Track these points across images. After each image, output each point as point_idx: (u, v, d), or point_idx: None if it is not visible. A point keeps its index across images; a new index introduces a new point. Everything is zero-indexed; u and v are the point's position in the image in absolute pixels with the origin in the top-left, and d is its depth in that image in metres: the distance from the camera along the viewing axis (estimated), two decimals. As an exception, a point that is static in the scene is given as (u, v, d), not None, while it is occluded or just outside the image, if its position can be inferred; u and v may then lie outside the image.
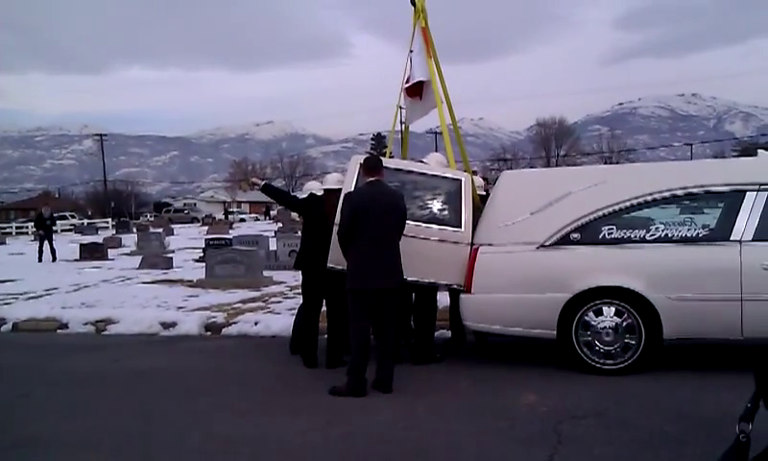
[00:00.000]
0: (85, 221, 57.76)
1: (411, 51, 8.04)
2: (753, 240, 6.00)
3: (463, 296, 6.65)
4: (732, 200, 6.18)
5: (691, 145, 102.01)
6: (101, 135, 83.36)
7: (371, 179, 6.02)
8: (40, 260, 22.26)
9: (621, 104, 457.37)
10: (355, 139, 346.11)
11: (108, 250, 23.79)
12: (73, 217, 61.46)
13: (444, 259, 6.62)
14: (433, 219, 6.78)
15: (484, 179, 9.65)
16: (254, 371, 7.03)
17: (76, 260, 21.91)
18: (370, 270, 5.80)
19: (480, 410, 5.40)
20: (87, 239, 29.96)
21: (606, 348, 6.17)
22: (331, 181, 7.21)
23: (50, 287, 14.38)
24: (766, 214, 6.05)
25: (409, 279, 6.34)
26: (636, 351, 6.13)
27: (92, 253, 22.58)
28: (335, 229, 6.37)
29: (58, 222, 39.35)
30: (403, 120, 8.87)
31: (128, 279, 15.92)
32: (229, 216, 70.89)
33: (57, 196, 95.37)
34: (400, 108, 8.44)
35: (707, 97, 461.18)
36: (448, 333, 7.93)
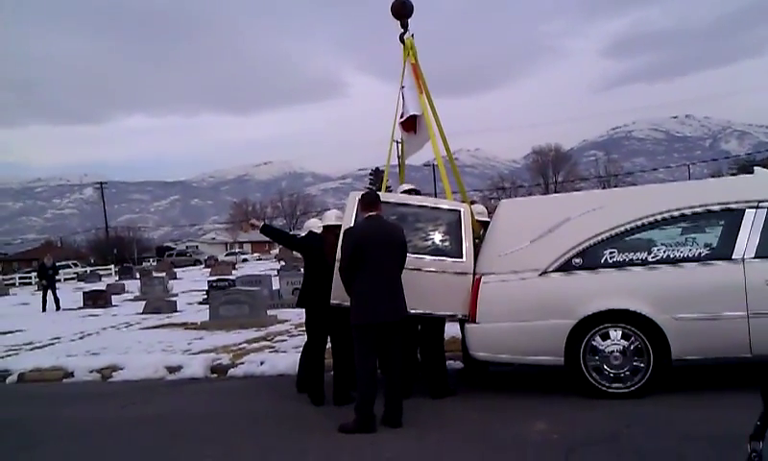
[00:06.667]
0: (88, 269, 57.74)
1: (402, 87, 8.14)
2: (755, 257, 6.01)
3: (467, 326, 6.62)
4: (731, 218, 6.19)
5: (689, 165, 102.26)
6: (101, 184, 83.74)
7: (369, 214, 6.05)
8: (44, 310, 22.30)
9: (616, 128, 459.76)
10: (354, 175, 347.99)
11: (112, 296, 23.80)
12: (76, 265, 61.46)
13: (446, 290, 6.60)
14: (434, 251, 6.78)
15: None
16: (262, 412, 6.98)
17: (79, 308, 21.91)
18: (374, 304, 5.79)
19: (490, 440, 5.36)
20: (90, 287, 29.95)
21: (615, 371, 6.15)
22: (330, 217, 7.23)
23: (54, 336, 14.33)
24: (767, 231, 6.07)
25: (412, 311, 6.32)
26: (645, 374, 6.11)
27: (96, 300, 22.60)
28: (336, 265, 6.38)
29: (60, 271, 39.49)
30: (400, 154, 8.94)
31: (132, 324, 15.88)
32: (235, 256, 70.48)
33: (59, 245, 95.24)
34: (396, 142, 8.51)
35: (700, 118, 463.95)
36: (456, 364, 7.88)
